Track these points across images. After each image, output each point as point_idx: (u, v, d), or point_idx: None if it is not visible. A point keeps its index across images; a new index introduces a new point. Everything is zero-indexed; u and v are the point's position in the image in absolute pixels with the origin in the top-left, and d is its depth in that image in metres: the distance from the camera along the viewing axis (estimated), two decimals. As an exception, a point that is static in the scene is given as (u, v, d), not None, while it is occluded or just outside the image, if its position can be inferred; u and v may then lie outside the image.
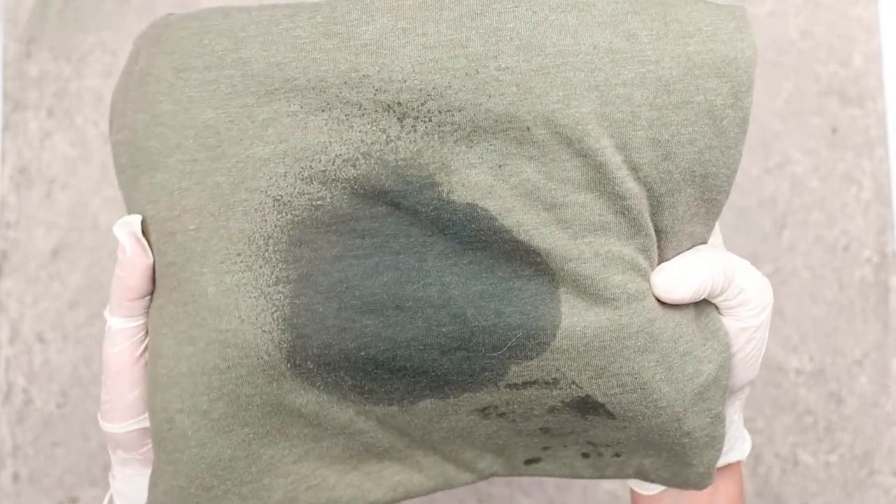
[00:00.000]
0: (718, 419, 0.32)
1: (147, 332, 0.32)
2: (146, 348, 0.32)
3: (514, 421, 0.32)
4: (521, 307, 0.29)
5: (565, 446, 0.34)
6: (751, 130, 0.64)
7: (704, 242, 0.33)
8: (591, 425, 0.32)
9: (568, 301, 0.29)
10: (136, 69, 0.31)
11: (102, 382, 0.33)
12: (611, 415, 0.31)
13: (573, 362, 0.30)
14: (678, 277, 0.30)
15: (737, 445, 0.38)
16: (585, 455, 0.35)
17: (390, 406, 0.31)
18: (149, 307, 0.32)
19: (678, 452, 0.33)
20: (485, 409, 0.31)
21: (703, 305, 0.33)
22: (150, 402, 0.31)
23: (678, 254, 0.32)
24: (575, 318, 0.29)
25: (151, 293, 0.32)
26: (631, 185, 0.29)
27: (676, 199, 0.30)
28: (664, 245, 0.31)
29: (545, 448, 0.35)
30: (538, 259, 0.29)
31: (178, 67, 0.30)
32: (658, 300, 0.31)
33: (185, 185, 0.30)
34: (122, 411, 0.33)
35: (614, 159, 0.29)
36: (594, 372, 0.30)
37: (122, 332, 0.32)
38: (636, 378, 0.30)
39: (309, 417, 0.32)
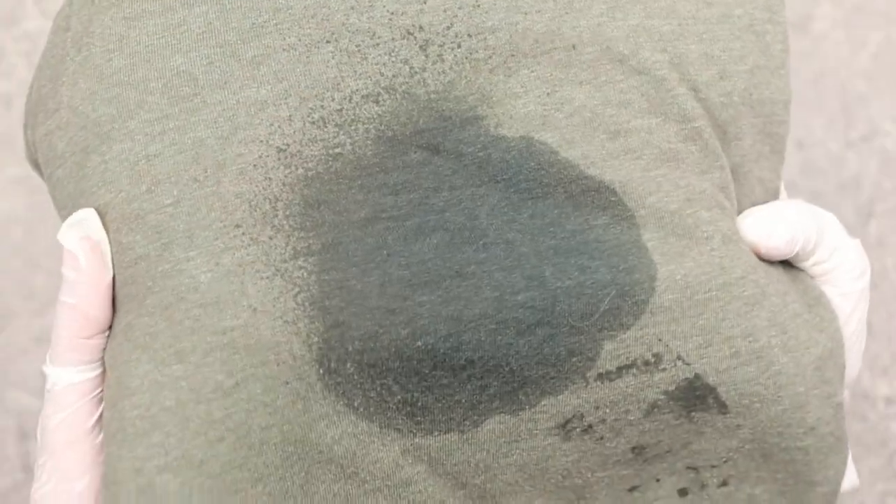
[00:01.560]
0: (840, 411, 0.32)
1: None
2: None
3: (601, 439, 0.30)
4: (606, 260, 0.28)
5: (658, 480, 0.32)
6: (827, 93, 0.65)
7: (778, 195, 0.33)
8: (696, 431, 0.31)
9: (657, 248, 0.29)
10: (66, 37, 0.30)
11: (36, 470, 0.29)
12: (723, 405, 0.30)
13: (677, 326, 0.29)
14: (769, 223, 0.31)
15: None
16: (683, 493, 0.33)
17: (448, 433, 0.29)
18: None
19: (799, 466, 0.31)
20: (567, 422, 0.30)
21: (792, 269, 0.33)
22: (111, 474, 0.28)
23: (752, 204, 0.32)
24: (672, 265, 0.29)
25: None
26: (695, 105, 0.30)
27: (741, 129, 0.31)
28: (736, 190, 0.32)
29: (632, 489, 0.32)
30: (613, 199, 0.29)
31: (129, 16, 0.29)
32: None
33: (155, 151, 0.28)
34: None
35: (673, 75, 0.29)
36: (702, 337, 0.29)
37: (74, 387, 0.28)
38: (752, 342, 0.29)
39: (342, 462, 0.29)
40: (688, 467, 0.32)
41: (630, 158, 0.29)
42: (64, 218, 0.30)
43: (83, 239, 0.28)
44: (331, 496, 0.29)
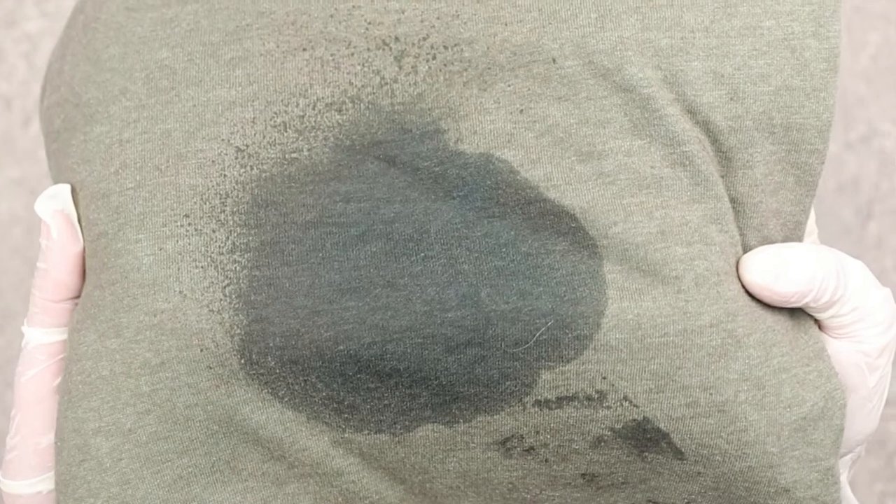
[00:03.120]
0: (830, 477, 0.29)
1: None
2: None
3: (546, 461, 0.29)
4: (552, 288, 0.28)
5: None
6: None
7: (800, 230, 0.31)
8: (652, 470, 0.29)
9: (616, 281, 0.28)
10: (79, 20, 0.31)
11: (11, 423, 0.31)
12: (678, 452, 0.28)
13: (625, 367, 0.28)
14: (781, 264, 0.28)
15: None
16: None
17: (378, 434, 0.29)
18: None
19: None
20: (506, 440, 0.29)
21: (798, 316, 0.31)
22: (59, 430, 0.29)
23: (764, 239, 0.30)
24: (626, 302, 0.27)
25: None
26: (688, 128, 0.28)
27: (752, 157, 0.29)
28: (742, 223, 0.30)
29: None
30: (573, 225, 0.28)
31: (131, 7, 0.29)
32: (745, 294, 0.29)
33: (128, 136, 0.29)
34: (31, 462, 0.30)
35: (663, 94, 0.28)
36: (654, 382, 0.28)
37: (44, 347, 0.30)
38: (713, 395, 0.27)
39: (269, 445, 0.29)
40: (648, 500, 0.31)
41: (601, 183, 0.28)
42: None
43: (56, 211, 0.29)
44: (259, 473, 0.30)
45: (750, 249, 0.30)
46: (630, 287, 0.28)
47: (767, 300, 0.29)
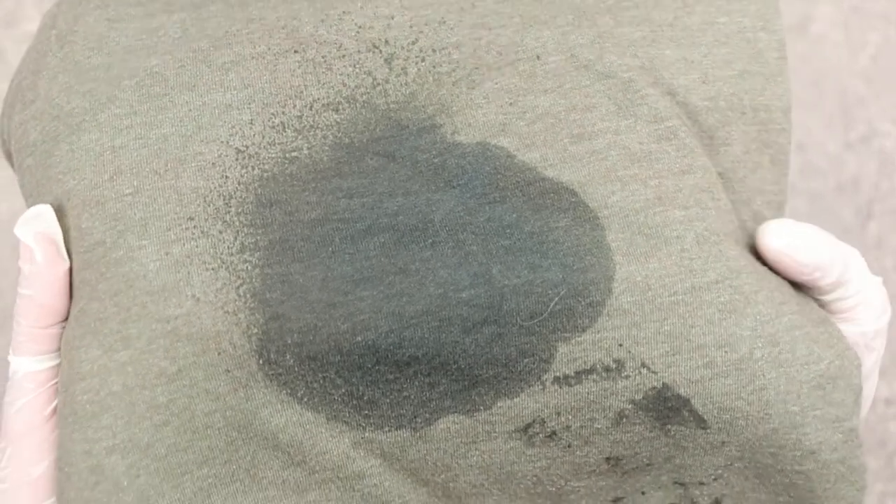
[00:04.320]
0: (854, 438, 0.29)
1: None
2: None
3: (569, 446, 0.29)
4: (560, 259, 0.28)
5: (644, 493, 0.31)
6: (826, 94, 0.65)
7: (782, 212, 0.32)
8: (676, 445, 0.29)
9: (621, 247, 0.28)
10: (51, 34, 0.31)
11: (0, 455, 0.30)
12: (701, 420, 0.28)
13: (639, 331, 0.27)
14: (800, 233, 0.29)
15: None
16: None
17: (399, 430, 0.28)
18: None
19: (801, 492, 0.29)
20: (528, 427, 0.29)
21: (799, 288, 0.31)
22: (63, 456, 0.28)
23: (755, 214, 0.31)
24: (632, 265, 0.27)
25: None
26: (668, 105, 0.29)
27: (730, 135, 0.30)
28: (732, 197, 0.31)
29: (615, 501, 0.31)
30: (573, 199, 0.28)
31: (112, 18, 0.29)
32: (747, 255, 0.29)
33: (121, 143, 0.28)
34: (23, 494, 0.29)
35: (642, 77, 0.29)
36: (669, 344, 0.27)
37: (31, 376, 0.29)
38: (728, 353, 0.27)
39: (289, 450, 0.29)
40: (675, 482, 0.31)
41: (594, 160, 0.29)
42: (30, 206, 0.30)
43: (38, 234, 0.29)
44: (279, 482, 0.30)
45: (744, 224, 0.30)
46: (635, 252, 0.28)
47: (783, 267, 0.29)
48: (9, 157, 0.33)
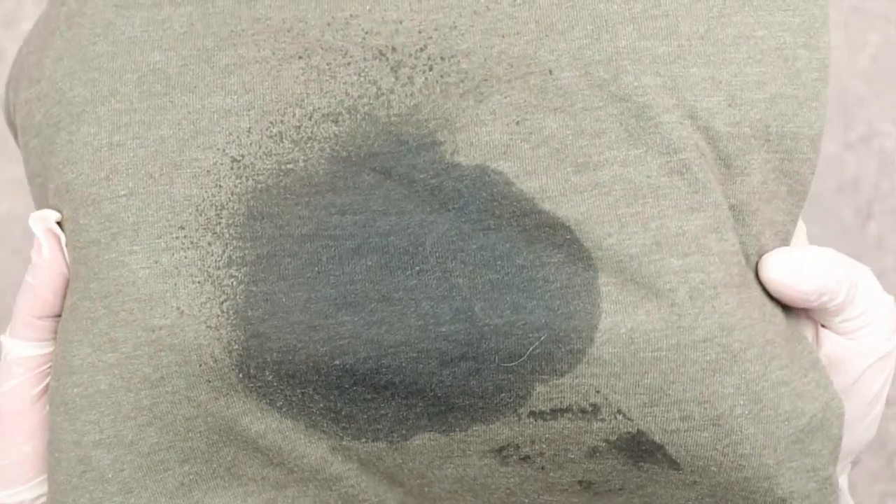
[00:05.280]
0: (828, 486, 0.29)
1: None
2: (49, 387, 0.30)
3: (542, 468, 0.29)
4: (546, 301, 0.27)
5: None
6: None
7: (788, 241, 0.31)
8: (648, 479, 0.29)
9: (610, 293, 0.27)
10: (60, 11, 0.30)
11: None
12: (674, 463, 0.28)
13: (618, 381, 0.27)
14: (798, 262, 0.29)
15: None
16: None
17: (376, 442, 0.29)
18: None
19: None
20: (502, 449, 0.29)
21: (794, 325, 0.30)
22: (54, 441, 0.29)
23: (761, 248, 0.30)
24: (619, 316, 0.27)
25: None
26: (686, 134, 0.28)
27: (749, 164, 0.29)
28: (742, 231, 0.29)
29: None
30: (568, 237, 0.28)
31: (120, 4, 0.29)
32: (744, 307, 0.29)
33: (118, 140, 0.28)
34: (11, 472, 0.30)
35: (661, 100, 0.28)
36: (647, 396, 0.27)
37: (22, 360, 0.30)
38: (707, 409, 0.27)
39: (269, 453, 0.29)
40: None
41: (596, 194, 0.28)
42: (34, 185, 0.31)
43: (48, 230, 0.29)
44: (259, 478, 0.30)
45: (749, 258, 0.29)
46: (624, 300, 0.28)
47: (788, 299, 0.29)
48: (11, 126, 0.34)
